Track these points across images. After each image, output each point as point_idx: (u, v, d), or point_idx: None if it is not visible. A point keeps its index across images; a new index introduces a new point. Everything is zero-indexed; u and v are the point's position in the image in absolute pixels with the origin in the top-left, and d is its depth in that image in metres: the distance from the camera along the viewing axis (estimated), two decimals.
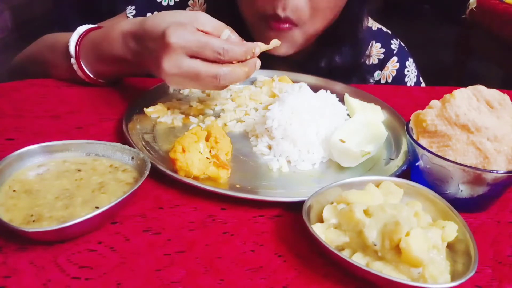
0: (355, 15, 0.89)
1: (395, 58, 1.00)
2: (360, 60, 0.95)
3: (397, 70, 1.00)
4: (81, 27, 0.76)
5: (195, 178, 0.55)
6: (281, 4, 0.76)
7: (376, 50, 1.00)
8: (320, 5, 0.78)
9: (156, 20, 0.65)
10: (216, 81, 0.63)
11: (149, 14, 0.88)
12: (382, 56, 1.00)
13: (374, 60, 0.99)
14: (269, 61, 0.89)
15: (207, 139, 0.59)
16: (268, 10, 0.78)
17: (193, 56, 0.62)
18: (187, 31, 0.61)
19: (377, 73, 1.00)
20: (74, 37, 0.74)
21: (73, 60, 0.74)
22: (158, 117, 0.70)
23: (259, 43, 0.66)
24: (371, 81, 1.00)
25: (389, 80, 1.00)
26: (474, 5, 2.43)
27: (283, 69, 0.87)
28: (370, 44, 0.98)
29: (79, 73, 0.75)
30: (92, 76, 0.76)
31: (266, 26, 0.80)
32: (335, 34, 0.89)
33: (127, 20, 0.72)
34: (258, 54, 0.65)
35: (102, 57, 0.73)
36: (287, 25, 0.79)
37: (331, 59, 0.91)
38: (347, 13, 0.86)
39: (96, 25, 0.78)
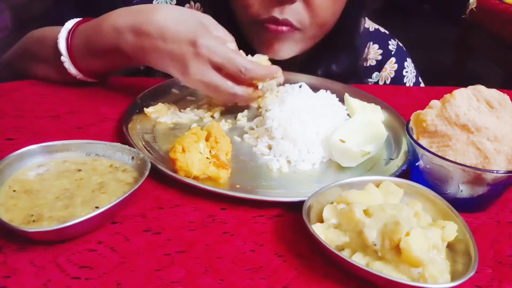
0: (351, 23, 0.88)
1: (393, 59, 0.99)
2: (357, 66, 0.95)
3: (395, 71, 0.99)
4: (68, 22, 0.73)
5: (195, 178, 0.55)
6: (279, 9, 0.75)
7: (373, 52, 0.99)
8: (317, 10, 0.77)
9: (165, 17, 0.65)
10: (232, 98, 0.67)
11: None
12: (380, 58, 0.99)
13: (371, 61, 0.98)
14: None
15: (207, 139, 0.59)
16: (263, 15, 0.77)
17: (215, 68, 0.64)
18: (216, 42, 0.64)
19: (375, 74, 0.99)
20: (63, 33, 0.71)
21: (63, 58, 0.71)
22: (158, 117, 0.70)
23: (279, 70, 0.69)
24: (369, 82, 1.00)
25: (388, 82, 1.00)
26: (474, 5, 2.43)
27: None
28: (367, 46, 0.97)
29: (71, 70, 0.72)
30: (77, 74, 0.73)
31: (263, 29, 0.79)
32: (332, 41, 0.87)
33: (117, 12, 0.70)
34: (281, 79, 0.69)
35: (94, 51, 0.71)
36: (286, 28, 0.77)
37: (328, 67, 0.90)
38: (344, 20, 0.85)
39: (82, 19, 0.74)
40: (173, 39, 0.64)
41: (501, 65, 2.57)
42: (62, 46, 0.71)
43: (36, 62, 0.77)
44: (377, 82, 1.00)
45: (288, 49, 0.81)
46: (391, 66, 0.99)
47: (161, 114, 0.70)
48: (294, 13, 0.76)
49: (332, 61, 0.91)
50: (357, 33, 0.91)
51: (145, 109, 0.70)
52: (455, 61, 2.87)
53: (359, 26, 0.91)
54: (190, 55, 0.63)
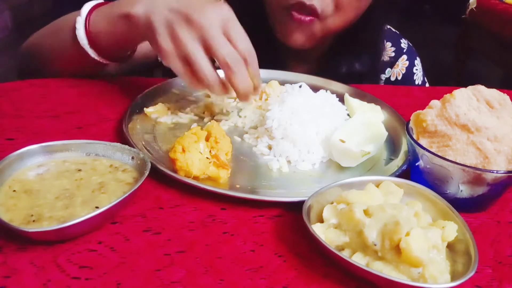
0: (377, 23, 0.91)
1: (404, 57, 1.02)
2: (378, 65, 0.98)
3: (406, 68, 1.03)
4: (89, 2, 0.74)
5: (195, 178, 0.55)
6: None
7: (387, 49, 1.02)
8: (344, 1, 0.78)
9: None
10: (199, 81, 0.62)
11: None
12: (393, 54, 1.02)
13: (385, 57, 1.01)
14: (287, 60, 0.90)
15: (207, 139, 0.59)
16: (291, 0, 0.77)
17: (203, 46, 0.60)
18: (218, 22, 0.61)
19: (387, 70, 1.02)
20: (84, 9, 0.72)
21: (79, 18, 0.71)
22: (158, 117, 0.70)
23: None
24: (382, 78, 1.02)
25: (399, 78, 1.03)
26: (474, 5, 2.43)
27: (301, 68, 0.89)
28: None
29: (81, 33, 0.72)
30: (86, 43, 0.72)
31: (288, 16, 0.80)
32: (356, 40, 0.90)
33: None
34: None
35: (109, 15, 0.70)
36: (308, 18, 0.79)
37: (352, 66, 0.93)
38: (370, 20, 0.88)
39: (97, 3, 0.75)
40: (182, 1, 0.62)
41: (501, 65, 2.57)
42: (85, 9, 0.72)
43: (54, 49, 0.78)
44: (389, 78, 1.03)
45: (308, 39, 0.84)
46: (403, 63, 1.02)
47: (161, 114, 0.70)
48: (321, 0, 0.77)
49: (355, 59, 0.93)
50: (381, 34, 0.95)
51: (145, 109, 0.70)
52: (455, 61, 2.87)
53: (383, 30, 0.95)
54: (186, 17, 0.60)
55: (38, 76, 0.80)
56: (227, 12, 0.63)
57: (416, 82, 1.04)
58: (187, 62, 0.61)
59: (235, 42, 0.61)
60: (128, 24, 0.68)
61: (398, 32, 1.06)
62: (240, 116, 0.73)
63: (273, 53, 0.90)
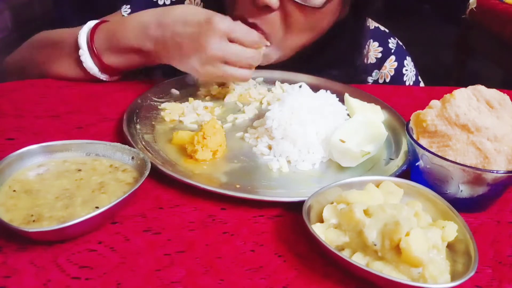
0: (355, 25, 0.89)
1: (393, 57, 0.99)
2: (359, 66, 0.95)
3: (395, 69, 1.00)
4: (90, 22, 0.78)
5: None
6: (258, 15, 0.75)
7: (373, 49, 0.99)
8: (294, 25, 0.76)
9: (185, 10, 0.73)
10: (250, 66, 0.71)
11: None
12: (380, 55, 0.99)
13: (371, 59, 0.99)
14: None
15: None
16: (247, 17, 0.76)
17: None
18: (228, 19, 0.70)
19: (375, 72, 1.00)
20: (84, 29, 0.76)
21: (81, 51, 0.75)
22: (157, 117, 0.70)
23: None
24: (369, 80, 1.00)
25: (387, 80, 1.00)
26: (474, 5, 2.43)
27: (281, 69, 0.87)
28: (368, 43, 0.97)
29: (88, 63, 0.76)
30: (93, 67, 0.77)
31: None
32: (334, 43, 0.88)
33: (143, 11, 0.77)
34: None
35: (116, 46, 0.75)
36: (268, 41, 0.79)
37: (329, 67, 0.90)
38: (345, 29, 0.86)
39: (100, 20, 0.80)
40: (192, 22, 0.70)
41: (501, 65, 2.57)
42: (82, 40, 0.75)
43: (48, 63, 0.80)
44: (376, 80, 1.00)
45: (271, 54, 0.81)
46: (390, 64, 0.99)
47: (174, 112, 0.71)
48: (270, 22, 0.76)
49: (333, 61, 0.91)
50: (361, 35, 0.92)
51: (161, 105, 0.73)
52: (455, 61, 2.87)
53: (363, 29, 0.92)
54: (209, 32, 0.68)
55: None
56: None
57: (407, 83, 1.00)
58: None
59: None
60: (143, 57, 0.75)
61: (387, 31, 1.02)
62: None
63: None
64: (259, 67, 0.75)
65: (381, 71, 0.99)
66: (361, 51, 0.95)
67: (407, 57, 1.02)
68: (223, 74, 0.71)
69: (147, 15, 0.74)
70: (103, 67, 0.77)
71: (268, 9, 0.74)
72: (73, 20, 0.86)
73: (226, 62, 0.70)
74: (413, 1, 4.53)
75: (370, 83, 0.99)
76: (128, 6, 0.92)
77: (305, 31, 0.80)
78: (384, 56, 0.99)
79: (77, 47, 0.76)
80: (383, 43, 0.99)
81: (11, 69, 0.89)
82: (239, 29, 0.70)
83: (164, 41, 0.72)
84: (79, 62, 0.76)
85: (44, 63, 0.81)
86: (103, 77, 0.78)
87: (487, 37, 2.46)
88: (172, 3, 0.95)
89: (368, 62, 0.99)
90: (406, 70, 1.00)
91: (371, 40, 0.99)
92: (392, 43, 1.00)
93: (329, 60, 0.90)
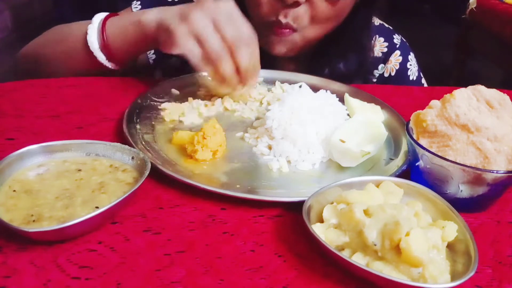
0: (361, 23, 0.92)
1: (397, 52, 1.02)
2: (365, 64, 0.97)
3: (400, 63, 1.02)
4: (99, 13, 0.80)
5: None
6: (283, 12, 0.81)
7: (379, 44, 1.02)
8: (319, 15, 0.81)
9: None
10: (217, 63, 0.67)
11: None
12: (385, 50, 1.02)
13: (377, 53, 1.01)
14: (275, 61, 0.91)
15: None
16: (271, 17, 0.82)
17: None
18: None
19: (380, 66, 1.02)
20: (96, 18, 0.78)
21: (90, 28, 0.76)
22: (157, 117, 0.70)
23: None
24: (375, 74, 1.02)
25: (393, 73, 1.02)
26: (474, 5, 2.43)
27: (287, 69, 0.89)
28: (374, 38, 1.00)
29: (99, 54, 0.77)
30: (107, 62, 0.78)
31: (270, 31, 0.84)
32: (340, 40, 0.91)
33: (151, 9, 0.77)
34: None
35: (125, 32, 0.76)
36: (287, 31, 0.83)
37: (335, 66, 0.93)
38: (353, 20, 0.89)
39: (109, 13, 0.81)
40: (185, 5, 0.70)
41: (501, 65, 2.57)
42: (92, 29, 0.77)
43: (61, 54, 0.82)
44: (382, 74, 1.02)
45: (289, 49, 0.87)
46: (396, 59, 1.02)
47: (174, 112, 0.71)
48: (296, 16, 0.81)
49: (340, 59, 0.94)
50: (367, 33, 0.95)
51: (161, 105, 0.72)
52: (455, 61, 2.87)
53: (369, 27, 0.95)
54: (196, 5, 0.67)
55: (37, 76, 0.80)
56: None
57: (411, 78, 1.03)
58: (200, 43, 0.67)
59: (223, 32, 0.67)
60: (139, 30, 0.75)
61: (391, 28, 1.05)
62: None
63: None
64: (262, 65, 0.74)
65: (386, 65, 1.02)
66: (370, 39, 0.97)
67: (411, 53, 1.04)
68: (185, 45, 0.67)
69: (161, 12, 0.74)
70: (104, 46, 0.77)
71: (295, 4, 0.78)
72: (73, 20, 0.86)
73: (199, 41, 0.67)
74: (413, 1, 4.54)
75: (376, 77, 1.02)
76: (139, 2, 0.92)
77: (329, 21, 0.84)
78: (390, 50, 1.02)
79: (86, 41, 0.77)
80: (388, 39, 1.02)
81: (25, 61, 0.90)
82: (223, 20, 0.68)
83: (164, 18, 0.71)
84: (87, 49, 0.77)
85: (57, 57, 0.82)
86: (102, 59, 0.78)
87: (487, 37, 2.46)
88: (181, 1, 0.96)
89: (374, 55, 1.01)
90: (410, 65, 1.03)
91: (377, 36, 1.01)
92: (397, 39, 1.03)
93: (342, 49, 0.93)
